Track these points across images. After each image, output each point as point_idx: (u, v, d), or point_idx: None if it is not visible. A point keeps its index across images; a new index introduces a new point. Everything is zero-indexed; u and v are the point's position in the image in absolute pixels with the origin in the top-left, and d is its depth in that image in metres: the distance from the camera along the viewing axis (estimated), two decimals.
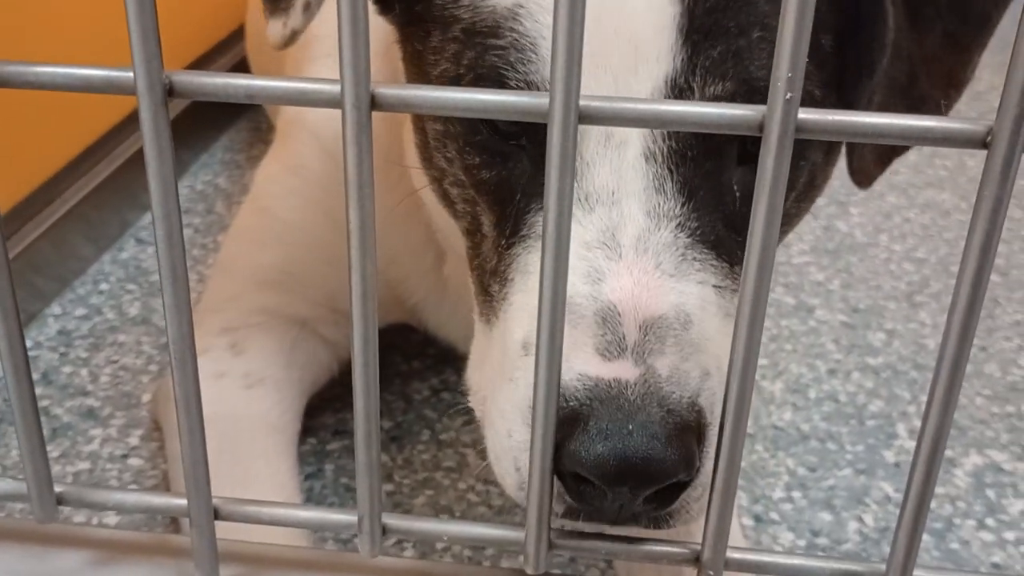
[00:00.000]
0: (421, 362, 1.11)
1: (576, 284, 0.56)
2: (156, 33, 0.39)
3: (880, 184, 1.57)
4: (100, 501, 0.54)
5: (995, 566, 0.90)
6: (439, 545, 0.87)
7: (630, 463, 0.51)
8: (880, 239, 1.43)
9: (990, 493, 0.98)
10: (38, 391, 1.02)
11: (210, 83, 0.41)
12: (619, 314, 0.55)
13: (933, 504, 0.96)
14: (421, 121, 0.68)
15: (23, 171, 1.16)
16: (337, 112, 0.41)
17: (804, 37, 0.37)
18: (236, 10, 1.55)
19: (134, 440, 0.98)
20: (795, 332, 1.21)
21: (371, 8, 0.70)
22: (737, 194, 0.61)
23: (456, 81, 0.62)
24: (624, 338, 0.54)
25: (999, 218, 0.40)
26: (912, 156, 1.66)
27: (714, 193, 0.60)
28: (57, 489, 0.53)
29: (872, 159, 0.71)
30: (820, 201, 1.54)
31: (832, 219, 1.47)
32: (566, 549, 0.52)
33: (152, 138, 0.41)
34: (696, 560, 0.51)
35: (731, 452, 0.47)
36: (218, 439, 0.81)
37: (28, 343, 1.09)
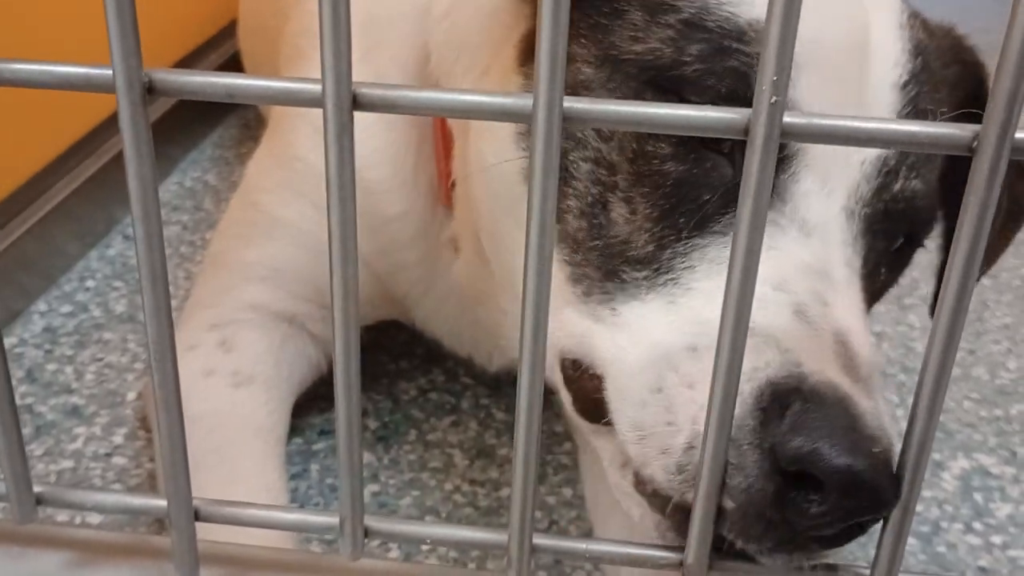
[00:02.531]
0: (408, 362, 1.10)
1: (804, 297, 0.56)
2: (135, 31, 0.39)
3: None
4: (79, 501, 0.54)
5: (982, 570, 0.90)
6: (424, 547, 0.86)
7: (873, 480, 0.49)
8: None
9: (977, 497, 0.98)
10: (23, 389, 1.02)
11: (190, 81, 0.41)
12: (850, 344, 0.55)
13: (920, 507, 0.96)
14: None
15: (9, 167, 1.15)
16: None
17: (790, 41, 0.37)
18: (223, 8, 1.54)
19: (118, 438, 0.97)
20: None
21: None
22: (882, 277, 0.66)
23: (672, 65, 0.61)
24: (858, 367, 0.55)
25: (985, 222, 0.40)
26: None
27: (877, 268, 0.64)
28: (37, 489, 0.53)
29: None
30: None
31: None
32: (549, 552, 0.52)
33: (131, 137, 0.41)
34: (680, 565, 0.50)
35: (714, 455, 0.47)
36: (206, 437, 0.81)
37: (13, 340, 1.08)
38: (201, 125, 1.55)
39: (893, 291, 1.29)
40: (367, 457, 0.97)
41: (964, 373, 1.16)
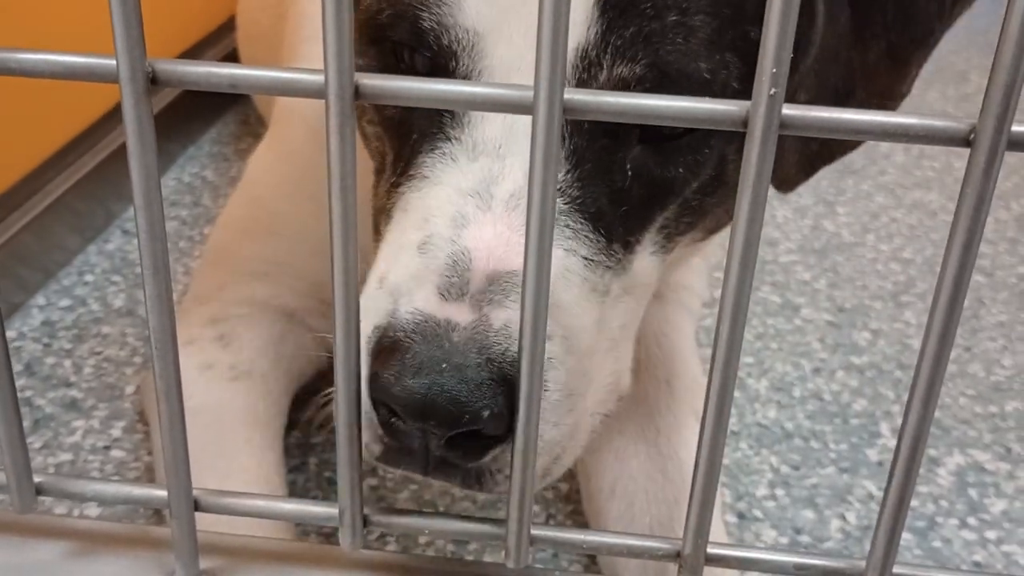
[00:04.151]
0: None
1: (439, 225, 0.57)
2: (139, 20, 0.39)
3: (868, 184, 1.58)
4: (80, 492, 0.54)
5: (976, 565, 0.90)
6: (422, 539, 0.87)
7: (434, 399, 0.52)
8: (867, 239, 1.43)
9: (972, 493, 0.98)
10: (21, 382, 1.02)
11: (193, 71, 0.41)
12: (470, 260, 0.55)
13: (916, 503, 0.96)
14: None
15: (8, 161, 1.15)
16: None
17: (789, 32, 0.37)
18: (224, 3, 1.54)
19: (117, 432, 0.97)
20: (780, 331, 1.22)
21: None
22: (629, 173, 0.60)
23: (375, 16, 0.62)
24: (468, 284, 0.55)
25: (981, 215, 0.40)
26: (900, 157, 1.67)
27: (604, 168, 0.59)
28: (37, 479, 0.53)
29: (795, 167, 0.70)
30: (808, 200, 1.55)
31: (819, 219, 1.47)
32: (547, 543, 0.52)
33: (134, 127, 0.41)
34: (677, 556, 0.51)
35: (712, 446, 0.47)
36: (203, 431, 0.81)
37: (12, 334, 1.08)
38: (199, 121, 1.55)
39: (889, 288, 1.31)
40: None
41: (960, 370, 1.16)
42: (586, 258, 0.59)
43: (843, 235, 1.44)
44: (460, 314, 0.54)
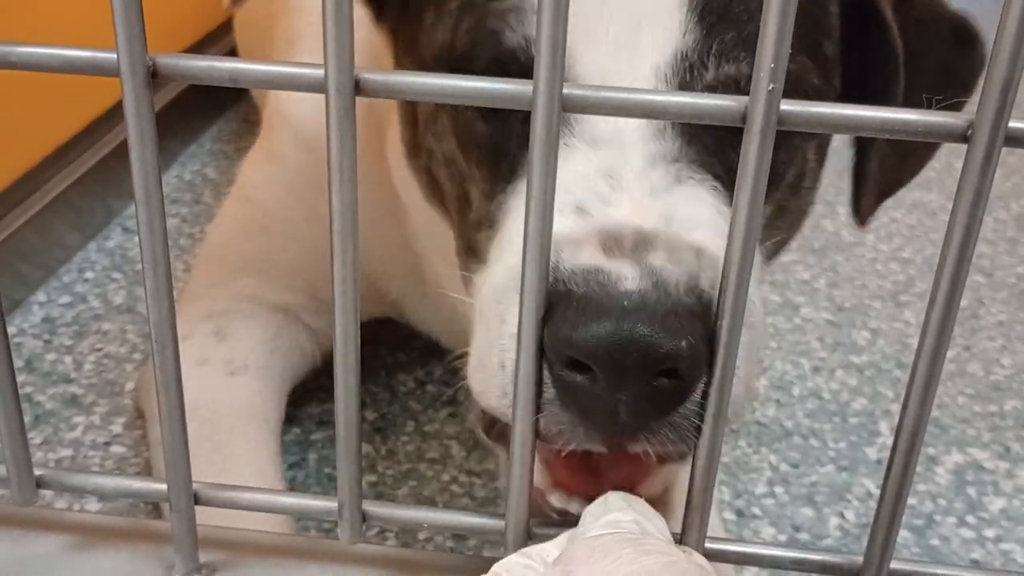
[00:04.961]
0: (406, 354, 1.11)
1: (580, 199, 0.56)
2: (140, 15, 0.39)
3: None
4: (80, 485, 0.54)
5: (974, 563, 0.90)
6: (421, 535, 0.87)
7: (629, 339, 0.48)
8: (867, 238, 1.43)
9: (971, 491, 0.99)
10: (21, 378, 1.02)
11: (194, 65, 0.41)
12: (620, 229, 0.54)
13: (914, 501, 0.96)
14: (413, 108, 0.69)
15: (9, 158, 1.15)
16: (317, 105, 0.41)
17: (787, 28, 0.38)
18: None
19: (117, 428, 0.97)
20: (780, 329, 1.22)
21: (365, 15, 0.71)
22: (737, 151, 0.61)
23: (451, 47, 0.63)
24: (624, 241, 0.54)
25: (979, 211, 0.41)
26: None
27: (716, 143, 0.60)
28: (37, 472, 0.53)
29: (873, 198, 0.75)
30: None
31: (819, 218, 1.47)
32: (546, 538, 0.52)
33: (135, 121, 0.41)
34: None
35: (711, 442, 0.47)
36: (199, 426, 0.82)
37: (12, 330, 1.08)
38: (201, 119, 1.55)
39: (889, 288, 1.31)
40: (365, 448, 0.97)
41: (959, 369, 1.16)
42: (714, 206, 0.59)
43: (843, 234, 1.44)
44: (626, 267, 0.52)
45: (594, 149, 0.58)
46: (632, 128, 0.59)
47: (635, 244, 0.54)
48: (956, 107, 0.72)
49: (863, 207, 0.76)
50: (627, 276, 0.51)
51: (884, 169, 0.75)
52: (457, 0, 0.64)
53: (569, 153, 0.59)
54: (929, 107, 0.69)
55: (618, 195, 0.57)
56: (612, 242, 0.54)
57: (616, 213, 0.56)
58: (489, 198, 0.63)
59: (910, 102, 0.69)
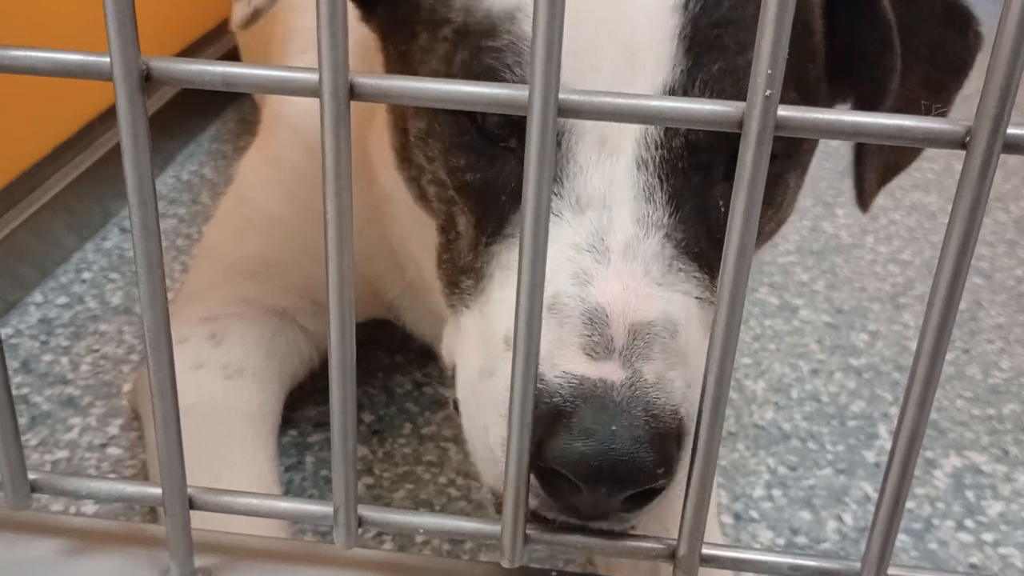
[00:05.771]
0: (404, 356, 1.10)
1: (563, 285, 0.56)
2: (133, 18, 0.39)
3: None
4: (74, 489, 0.54)
5: (972, 567, 0.90)
6: (418, 539, 0.87)
7: (612, 464, 0.51)
8: (866, 241, 1.43)
9: (969, 495, 0.98)
10: (18, 379, 1.02)
11: (187, 69, 0.41)
12: (607, 316, 0.55)
13: (912, 505, 0.96)
14: (403, 121, 0.68)
15: (5, 159, 1.15)
16: (316, 107, 0.41)
17: (784, 33, 0.37)
18: (220, 2, 1.54)
19: (113, 429, 0.97)
20: (779, 332, 1.22)
21: (352, 14, 0.71)
22: (721, 209, 0.61)
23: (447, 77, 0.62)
24: (612, 340, 0.55)
25: (977, 217, 0.40)
26: None
27: (700, 206, 0.60)
28: (31, 476, 0.53)
29: (875, 180, 0.75)
30: (807, 202, 1.55)
31: (818, 220, 1.47)
32: (542, 543, 0.52)
33: (128, 125, 0.41)
34: (672, 556, 0.51)
35: (707, 448, 0.47)
36: (197, 429, 0.81)
37: (9, 330, 1.08)
38: (198, 119, 1.55)
39: (888, 290, 1.31)
40: (361, 450, 0.97)
41: (958, 372, 1.16)
42: (698, 298, 0.59)
43: (842, 237, 1.44)
44: (613, 372, 0.54)
45: (578, 214, 0.58)
46: (620, 179, 0.58)
47: (625, 343, 0.55)
48: (949, 91, 0.73)
49: (866, 189, 0.76)
50: (613, 384, 0.53)
51: (885, 150, 0.75)
52: (451, 26, 0.63)
53: (551, 223, 0.59)
54: (928, 113, 0.69)
55: (605, 269, 0.57)
56: (596, 339, 0.54)
57: (603, 296, 0.56)
58: (476, 248, 0.63)
59: (904, 78, 0.68)
